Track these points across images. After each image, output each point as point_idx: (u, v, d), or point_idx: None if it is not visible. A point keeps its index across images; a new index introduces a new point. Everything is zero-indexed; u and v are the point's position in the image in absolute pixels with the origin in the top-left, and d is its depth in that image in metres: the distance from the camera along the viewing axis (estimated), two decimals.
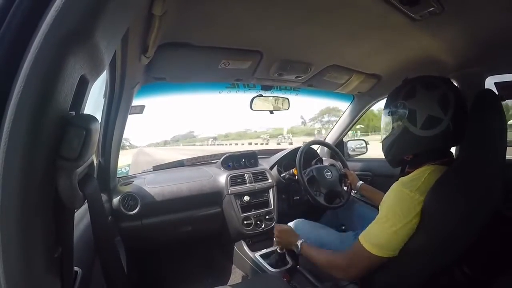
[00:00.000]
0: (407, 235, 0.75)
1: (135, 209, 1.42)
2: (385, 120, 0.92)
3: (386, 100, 0.93)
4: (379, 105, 1.90)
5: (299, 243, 1.04)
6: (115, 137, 1.27)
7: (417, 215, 0.74)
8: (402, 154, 0.90)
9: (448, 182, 0.75)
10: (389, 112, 0.90)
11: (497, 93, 0.94)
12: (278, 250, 1.49)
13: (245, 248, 1.67)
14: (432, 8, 0.85)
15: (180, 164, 1.99)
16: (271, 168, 1.89)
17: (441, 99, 0.79)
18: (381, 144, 0.97)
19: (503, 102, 1.04)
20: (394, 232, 0.75)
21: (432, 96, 0.80)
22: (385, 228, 0.77)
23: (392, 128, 0.88)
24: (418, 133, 0.81)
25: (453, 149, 0.92)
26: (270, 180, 1.81)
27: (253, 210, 1.71)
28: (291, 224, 1.41)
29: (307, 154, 1.70)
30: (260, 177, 1.80)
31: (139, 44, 0.88)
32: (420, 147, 0.83)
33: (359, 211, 1.39)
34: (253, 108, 1.78)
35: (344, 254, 0.87)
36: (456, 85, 0.85)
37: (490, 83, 1.21)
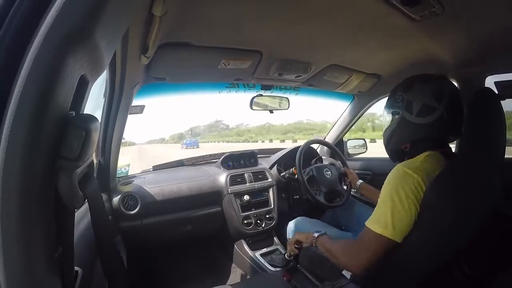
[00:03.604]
0: (407, 217, 0.75)
1: (135, 208, 1.42)
2: (386, 114, 0.97)
3: (388, 97, 0.98)
4: None
5: (314, 236, 1.03)
6: (115, 137, 1.27)
7: (418, 195, 0.75)
8: (400, 143, 0.94)
9: (448, 177, 0.76)
10: (389, 106, 0.96)
11: (496, 92, 0.95)
12: (286, 256, 1.49)
13: (245, 247, 1.67)
14: (433, 9, 0.85)
15: (179, 163, 1.99)
16: (271, 167, 1.89)
17: (435, 91, 0.84)
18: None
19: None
20: (397, 210, 0.76)
21: (428, 88, 0.85)
22: (388, 207, 0.78)
23: (392, 120, 0.94)
24: (414, 121, 0.86)
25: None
26: (270, 179, 1.81)
27: (253, 209, 1.71)
28: (291, 222, 1.42)
29: (307, 153, 1.70)
30: (260, 176, 1.80)
31: (139, 44, 0.88)
32: (416, 134, 0.88)
33: (359, 212, 1.39)
34: (253, 108, 1.78)
35: (353, 241, 0.87)
36: (451, 81, 0.90)
37: (490, 82, 1.21)
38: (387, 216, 0.78)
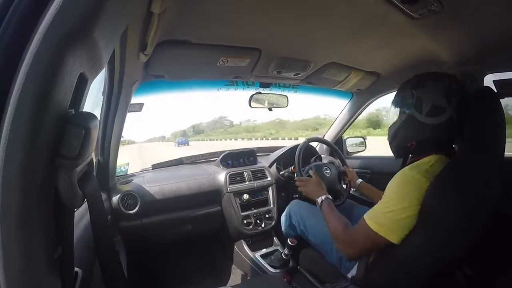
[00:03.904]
0: (410, 219, 0.76)
1: (134, 208, 1.41)
2: (393, 110, 0.96)
3: (396, 92, 0.97)
4: None
5: (321, 198, 1.09)
6: (114, 135, 1.26)
7: (420, 203, 0.75)
8: (406, 141, 0.93)
9: (447, 179, 0.76)
10: (397, 101, 0.95)
11: (495, 90, 0.95)
12: (283, 256, 1.49)
13: (245, 248, 1.67)
14: (432, 7, 0.85)
15: (179, 162, 1.98)
16: (270, 165, 1.89)
17: (446, 90, 0.83)
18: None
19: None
20: (398, 212, 0.77)
21: (438, 86, 0.84)
22: (388, 207, 0.79)
23: (399, 116, 0.93)
24: (422, 120, 0.85)
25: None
26: (269, 178, 1.81)
27: (252, 208, 1.71)
28: (286, 208, 1.42)
29: (306, 152, 1.70)
30: (259, 175, 1.80)
31: (138, 41, 0.87)
32: (424, 134, 0.87)
33: (358, 214, 1.38)
34: (251, 105, 1.77)
35: (349, 230, 0.90)
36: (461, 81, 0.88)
37: (489, 81, 1.21)
38: (386, 216, 0.79)
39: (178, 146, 27.93)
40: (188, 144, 29.52)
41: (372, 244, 0.82)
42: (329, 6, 0.89)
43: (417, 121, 0.86)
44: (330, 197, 1.10)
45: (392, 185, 0.82)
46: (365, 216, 0.84)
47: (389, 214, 0.78)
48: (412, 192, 0.76)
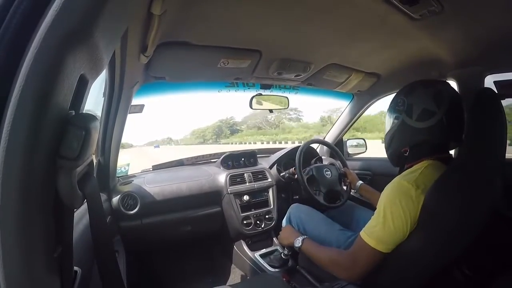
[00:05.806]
0: (405, 228, 0.77)
1: (134, 208, 1.42)
2: (388, 118, 0.98)
3: (391, 101, 0.98)
4: None
5: (298, 240, 1.06)
6: (115, 136, 1.26)
7: (414, 209, 0.76)
8: (400, 147, 0.94)
9: (448, 180, 0.76)
10: (391, 109, 0.96)
11: (496, 91, 0.95)
12: (282, 256, 1.49)
13: (245, 247, 1.67)
14: (432, 8, 0.85)
15: (179, 163, 1.99)
16: (271, 167, 1.89)
17: (436, 95, 0.84)
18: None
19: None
20: (392, 224, 0.77)
21: (428, 92, 0.86)
22: (384, 221, 0.79)
23: (393, 123, 0.94)
24: (413, 125, 0.87)
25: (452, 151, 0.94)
26: (269, 179, 1.81)
27: (252, 209, 1.71)
28: (287, 213, 1.40)
29: (307, 153, 1.70)
30: (259, 176, 1.80)
31: (139, 43, 0.87)
32: (415, 138, 0.88)
33: (358, 215, 1.38)
34: (252, 107, 1.78)
35: (347, 252, 0.87)
36: (452, 86, 0.90)
37: (489, 81, 1.21)
38: (380, 230, 0.79)
39: (154, 148, 35.75)
40: (159, 147, 37.20)
41: (374, 260, 0.81)
42: (329, 7, 0.89)
43: (408, 126, 0.88)
44: (306, 236, 1.08)
45: (384, 197, 0.82)
46: (362, 233, 0.83)
47: (383, 229, 0.78)
48: (402, 202, 0.77)
